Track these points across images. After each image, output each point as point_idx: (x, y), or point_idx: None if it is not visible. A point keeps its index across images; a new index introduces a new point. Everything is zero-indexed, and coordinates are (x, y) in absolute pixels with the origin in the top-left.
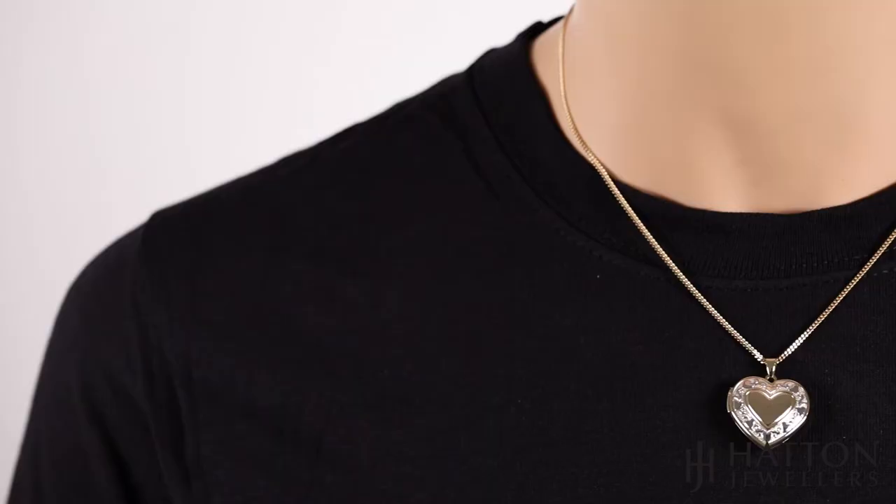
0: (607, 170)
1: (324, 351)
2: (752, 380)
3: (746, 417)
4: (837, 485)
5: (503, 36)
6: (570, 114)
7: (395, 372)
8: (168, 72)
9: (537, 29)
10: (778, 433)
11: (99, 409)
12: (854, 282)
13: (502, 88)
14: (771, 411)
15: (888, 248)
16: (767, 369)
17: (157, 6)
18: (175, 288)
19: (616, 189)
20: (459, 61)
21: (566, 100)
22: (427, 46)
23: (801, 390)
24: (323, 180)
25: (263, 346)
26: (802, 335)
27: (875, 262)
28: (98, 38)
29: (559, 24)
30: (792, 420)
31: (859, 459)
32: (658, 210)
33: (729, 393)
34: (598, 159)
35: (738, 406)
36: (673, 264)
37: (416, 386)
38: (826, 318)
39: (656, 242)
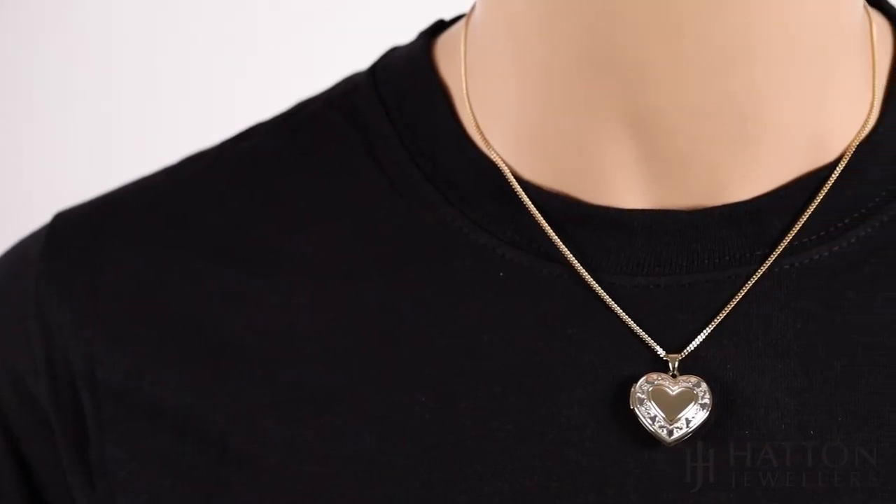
0: (510, 168)
1: (230, 351)
2: (654, 376)
3: (649, 413)
4: (740, 480)
5: None
6: (472, 112)
7: (302, 371)
8: (166, 72)
9: (440, 27)
10: (681, 429)
11: (2, 410)
12: (755, 277)
13: (405, 87)
14: (674, 407)
15: (789, 243)
16: (670, 365)
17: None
18: (78, 288)
19: (518, 187)
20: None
21: (468, 98)
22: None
23: (704, 386)
24: (226, 180)
25: (168, 346)
26: (704, 331)
27: (776, 258)
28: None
29: (461, 23)
30: (695, 415)
31: (762, 454)
32: (560, 208)
33: (632, 389)
34: (500, 157)
35: (642, 402)
36: (576, 261)
37: (323, 385)
38: (728, 314)
39: (559, 240)
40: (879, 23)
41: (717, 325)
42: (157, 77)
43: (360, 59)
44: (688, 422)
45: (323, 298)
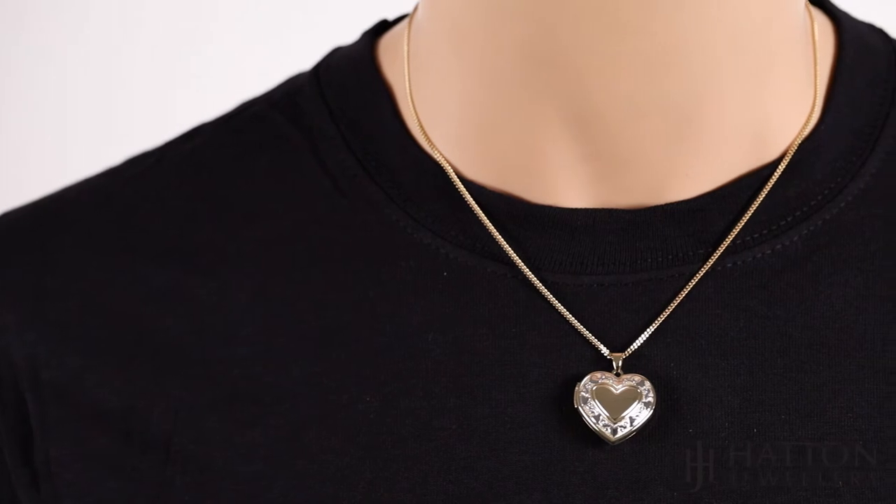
0: (453, 167)
1: (172, 351)
2: (598, 375)
3: (593, 412)
4: (684, 477)
5: None
6: (415, 111)
7: (246, 371)
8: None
9: (384, 27)
10: (625, 427)
11: None
12: (698, 276)
13: (348, 87)
14: (617, 406)
15: (731, 242)
16: (614, 364)
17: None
18: (22, 290)
19: (462, 186)
20: None
21: (412, 98)
22: None
23: (648, 384)
24: (169, 181)
25: (111, 347)
26: (648, 330)
27: (718, 256)
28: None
29: (405, 23)
30: (638, 414)
31: (706, 452)
32: (504, 207)
33: (576, 388)
34: (444, 157)
35: (585, 401)
36: (519, 260)
37: (266, 385)
38: (671, 313)
39: (502, 239)
40: (821, 22)
41: (660, 324)
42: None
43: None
44: (632, 420)
45: (266, 298)
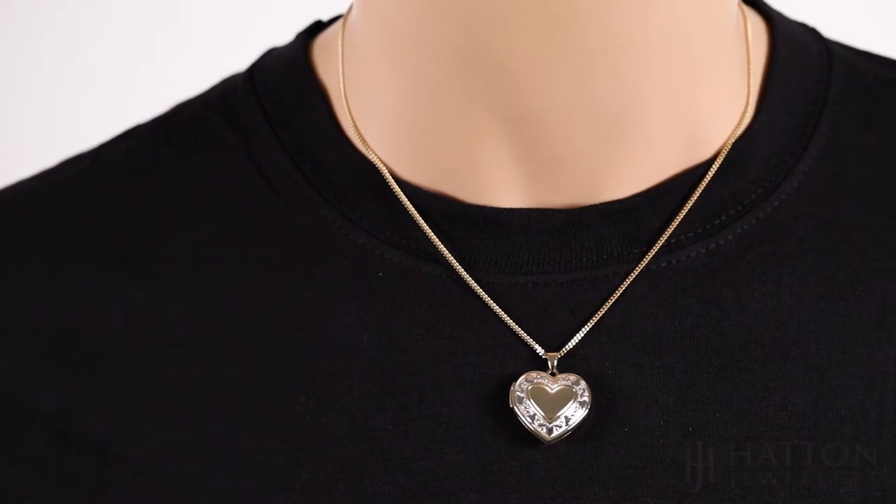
0: (388, 168)
1: (107, 353)
2: (534, 374)
3: (529, 412)
4: (620, 475)
5: None
6: (350, 112)
7: (181, 373)
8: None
9: (318, 27)
10: (560, 427)
11: None
12: (633, 275)
13: (282, 88)
14: (553, 405)
15: (666, 241)
16: (549, 363)
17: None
18: None
19: (396, 187)
20: None
21: (346, 98)
22: None
23: (583, 384)
24: (105, 182)
25: (46, 349)
26: (583, 329)
27: (653, 256)
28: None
29: (339, 23)
30: (574, 413)
31: (641, 450)
32: (439, 207)
33: (511, 388)
34: (378, 157)
35: (521, 401)
36: (454, 260)
37: (201, 386)
38: (606, 312)
39: (437, 239)
40: (755, 21)
41: (595, 323)
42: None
43: None
44: (567, 420)
45: (201, 299)
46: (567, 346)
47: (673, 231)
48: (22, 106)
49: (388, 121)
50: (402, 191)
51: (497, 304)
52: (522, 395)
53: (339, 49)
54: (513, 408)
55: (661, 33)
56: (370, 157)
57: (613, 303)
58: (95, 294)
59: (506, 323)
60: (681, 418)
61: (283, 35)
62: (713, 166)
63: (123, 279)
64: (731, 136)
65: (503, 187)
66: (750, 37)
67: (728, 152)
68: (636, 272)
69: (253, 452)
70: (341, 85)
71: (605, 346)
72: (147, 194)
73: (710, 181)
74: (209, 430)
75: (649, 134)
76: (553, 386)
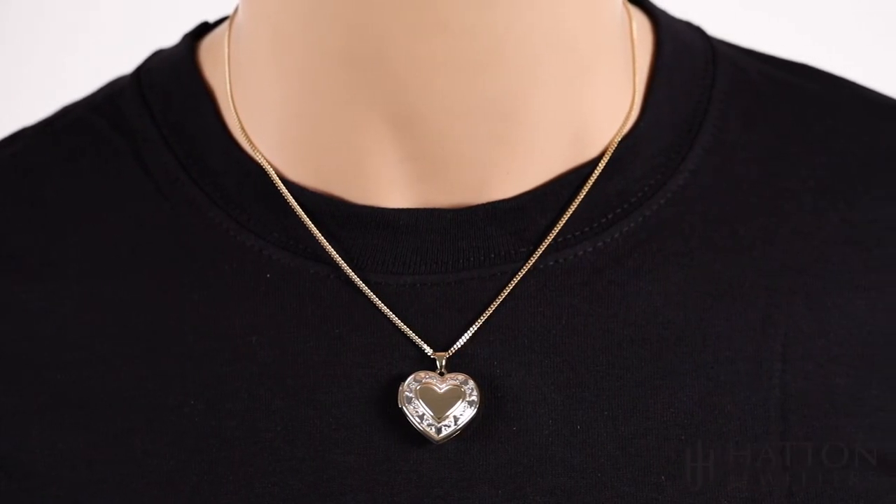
0: (276, 169)
1: None
2: (422, 374)
3: (418, 412)
4: (509, 474)
5: None
6: (236, 113)
7: (71, 376)
8: None
9: (205, 29)
10: (449, 426)
11: None
12: (520, 274)
13: (169, 90)
14: (442, 405)
15: (553, 240)
16: (438, 363)
17: None
18: None
19: (283, 188)
20: None
21: (233, 100)
22: None
23: (471, 383)
24: None
25: None
26: (471, 329)
27: (540, 255)
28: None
29: (226, 24)
30: (463, 413)
31: (530, 449)
32: (326, 208)
33: (400, 388)
34: (265, 159)
35: (410, 401)
36: (342, 261)
37: (91, 389)
38: (494, 311)
39: (325, 240)
40: (640, 20)
41: (483, 323)
42: None
43: None
44: (456, 419)
45: (89, 303)
46: (455, 346)
47: (560, 230)
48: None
49: (275, 122)
50: (290, 192)
51: (385, 305)
52: (411, 395)
53: (226, 50)
54: (402, 408)
55: (544, 33)
56: (257, 158)
57: (501, 302)
58: None
59: (394, 323)
60: (569, 416)
61: None
62: (599, 165)
63: (12, 283)
64: (616, 134)
65: (390, 187)
66: (635, 35)
67: (613, 151)
68: (523, 271)
69: (142, 455)
70: (228, 86)
71: (493, 346)
72: (33, 198)
73: (596, 180)
74: (99, 434)
75: (535, 133)
76: (442, 386)
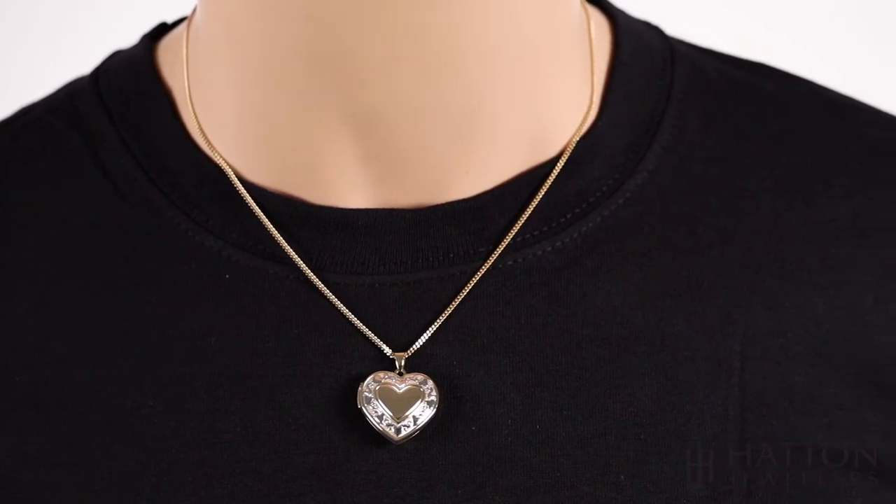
0: (234, 170)
1: None
2: (381, 374)
3: (377, 412)
4: (469, 474)
5: None
6: (195, 114)
7: (29, 378)
8: None
9: (164, 29)
10: (408, 426)
11: None
12: (479, 274)
13: (127, 90)
14: (401, 405)
15: (512, 240)
16: (397, 363)
17: None
18: None
19: (242, 188)
20: None
21: (191, 100)
22: None
23: (431, 383)
24: None
25: None
26: (430, 328)
27: (499, 254)
28: None
29: (184, 25)
30: (422, 413)
31: (490, 449)
32: (285, 208)
33: (359, 388)
34: (224, 159)
35: (369, 401)
36: (301, 262)
37: (50, 392)
38: (453, 311)
39: (283, 241)
40: (598, 20)
41: (442, 323)
42: None
43: None
44: (415, 419)
45: (48, 304)
46: (414, 346)
47: (518, 230)
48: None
49: (233, 122)
50: (248, 192)
51: (344, 305)
52: (370, 395)
53: (184, 50)
54: (361, 408)
55: (503, 33)
56: (215, 158)
57: (460, 302)
58: None
59: (353, 323)
60: (528, 416)
61: None
62: (557, 165)
63: None
64: (575, 134)
65: (349, 188)
66: (593, 35)
67: (572, 151)
68: (482, 271)
69: (101, 457)
70: (186, 86)
71: (452, 346)
72: None
73: (554, 180)
74: (58, 437)
75: (494, 133)
76: (401, 386)
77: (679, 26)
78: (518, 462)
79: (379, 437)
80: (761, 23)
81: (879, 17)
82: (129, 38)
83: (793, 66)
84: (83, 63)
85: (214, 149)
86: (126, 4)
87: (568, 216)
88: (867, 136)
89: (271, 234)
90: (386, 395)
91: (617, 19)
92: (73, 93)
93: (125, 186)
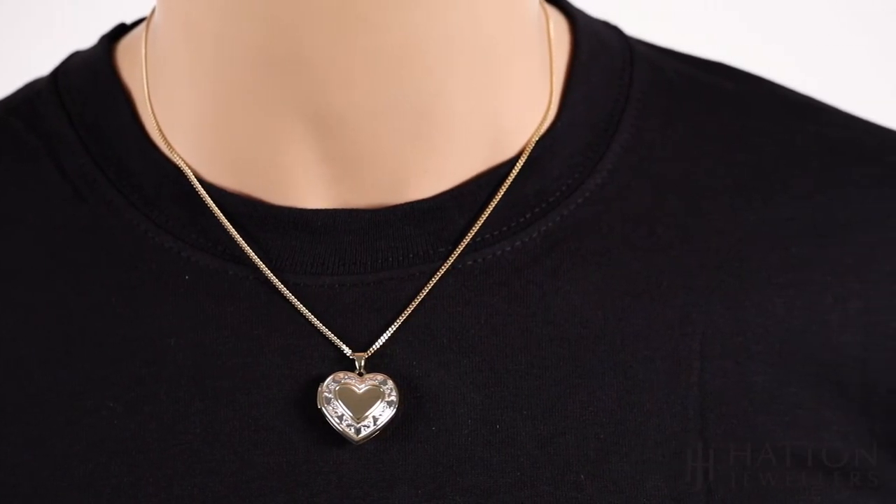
0: (193, 171)
1: None
2: (341, 375)
3: (337, 412)
4: (429, 474)
5: None
6: (154, 115)
7: None
8: None
9: (123, 30)
10: (368, 427)
11: None
12: (439, 274)
13: (86, 91)
14: (361, 405)
15: (471, 240)
16: (357, 364)
17: None
18: None
19: (201, 189)
20: None
21: (150, 101)
22: None
23: (390, 383)
24: None
25: None
26: (390, 329)
27: (459, 254)
28: None
29: (143, 25)
30: (382, 413)
31: (450, 449)
32: (244, 209)
33: (319, 389)
34: (183, 160)
35: (329, 401)
36: (260, 262)
37: (11, 394)
38: (413, 311)
39: (243, 241)
40: (557, 20)
41: (402, 323)
42: None
43: None
44: (375, 420)
45: (8, 306)
46: (374, 346)
47: (478, 230)
48: None
49: (192, 122)
50: (208, 193)
51: (303, 305)
52: (330, 395)
53: (143, 51)
54: (321, 408)
55: (461, 32)
56: (174, 159)
57: (420, 302)
58: None
59: (313, 324)
60: (488, 416)
61: None
62: (516, 165)
63: None
64: (534, 134)
65: (309, 188)
66: (552, 35)
67: (531, 151)
68: (442, 271)
69: (62, 459)
70: (145, 87)
71: (412, 346)
72: None
73: (513, 179)
74: (20, 438)
75: (453, 133)
76: (360, 386)
77: (673, 31)
78: (478, 462)
79: (339, 438)
80: (757, 33)
81: (875, 22)
82: (93, 39)
83: (785, 70)
84: (49, 62)
85: (173, 149)
86: (103, 5)
87: (527, 216)
88: (826, 136)
89: (231, 235)
90: (346, 396)
91: (576, 19)
92: (31, 93)
93: (84, 188)
